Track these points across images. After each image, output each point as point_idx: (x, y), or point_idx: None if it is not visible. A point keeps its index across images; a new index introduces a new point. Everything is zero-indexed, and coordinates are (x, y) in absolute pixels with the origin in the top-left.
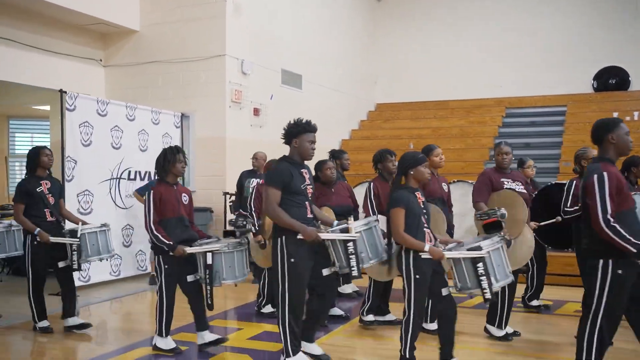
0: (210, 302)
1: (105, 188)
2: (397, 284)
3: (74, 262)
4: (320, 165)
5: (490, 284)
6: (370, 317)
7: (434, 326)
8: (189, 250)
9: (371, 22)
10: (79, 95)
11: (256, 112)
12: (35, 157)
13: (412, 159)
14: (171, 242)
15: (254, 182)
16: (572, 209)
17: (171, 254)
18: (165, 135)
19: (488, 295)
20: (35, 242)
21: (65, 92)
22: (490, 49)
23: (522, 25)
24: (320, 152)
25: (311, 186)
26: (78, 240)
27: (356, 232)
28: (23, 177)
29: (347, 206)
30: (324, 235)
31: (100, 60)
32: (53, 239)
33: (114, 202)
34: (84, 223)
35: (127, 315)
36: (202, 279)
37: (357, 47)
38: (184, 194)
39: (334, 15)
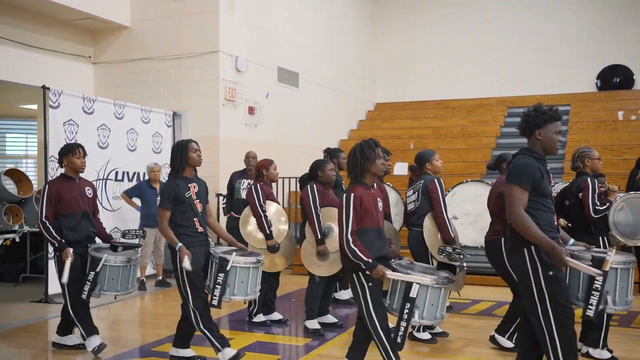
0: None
1: None
2: None
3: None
4: (321, 165)
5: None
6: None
7: (426, 335)
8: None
9: (371, 20)
10: (63, 92)
11: (251, 110)
12: (182, 152)
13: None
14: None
15: (245, 183)
16: (603, 207)
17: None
18: (155, 135)
19: None
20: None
21: (49, 89)
22: (491, 47)
23: (524, 23)
24: (317, 152)
25: (554, 187)
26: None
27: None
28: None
29: None
30: (588, 270)
31: (89, 57)
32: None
33: (101, 204)
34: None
35: (114, 323)
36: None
37: (356, 45)
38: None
39: (333, 11)
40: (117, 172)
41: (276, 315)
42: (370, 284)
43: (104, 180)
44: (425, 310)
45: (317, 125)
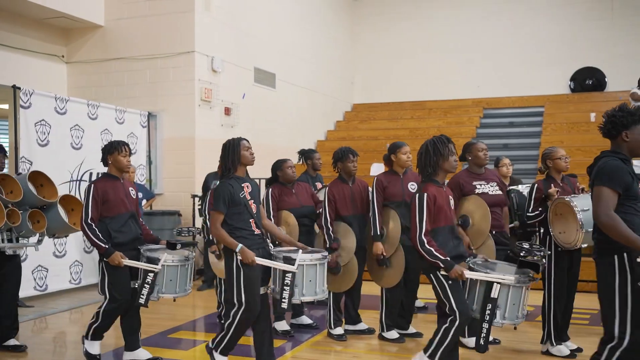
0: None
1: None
2: (368, 290)
3: (142, 296)
4: (280, 164)
5: None
6: (339, 330)
7: (394, 335)
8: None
9: (349, 21)
10: (34, 92)
11: (227, 111)
12: (234, 151)
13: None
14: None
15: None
16: (534, 214)
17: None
18: (130, 135)
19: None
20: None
21: (19, 88)
22: (468, 49)
23: (500, 25)
24: (294, 153)
25: None
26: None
27: None
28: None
29: (310, 206)
30: None
31: (62, 56)
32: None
33: None
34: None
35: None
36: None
37: (333, 47)
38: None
39: (310, 12)
40: (91, 173)
41: None
42: (450, 282)
43: (78, 182)
44: (507, 310)
45: (294, 126)
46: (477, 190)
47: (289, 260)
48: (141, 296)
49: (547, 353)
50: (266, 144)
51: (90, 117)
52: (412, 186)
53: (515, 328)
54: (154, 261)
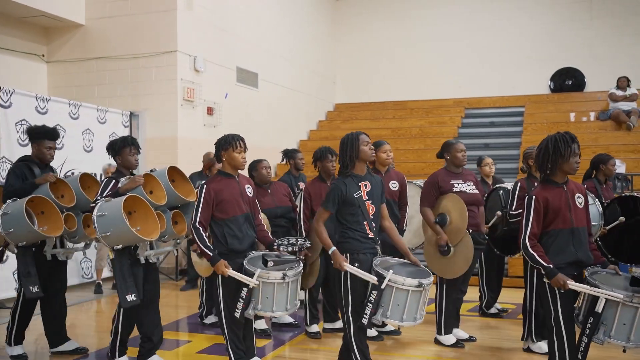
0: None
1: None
2: None
3: (237, 310)
4: (255, 164)
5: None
6: (315, 328)
7: (373, 332)
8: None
9: (331, 21)
10: (14, 91)
11: (210, 111)
12: (353, 146)
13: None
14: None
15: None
16: (517, 212)
17: None
18: (112, 135)
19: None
20: (357, 265)
21: (0, 88)
22: (449, 49)
23: (481, 25)
24: (276, 153)
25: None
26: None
27: None
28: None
29: (286, 207)
30: None
31: (43, 55)
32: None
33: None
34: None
35: (70, 327)
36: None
37: (316, 46)
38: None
39: (292, 12)
40: (73, 173)
41: None
42: (562, 291)
43: None
44: (614, 328)
45: (277, 125)
46: (454, 189)
47: (380, 277)
48: (237, 310)
49: (527, 350)
50: (249, 144)
51: (72, 116)
52: (394, 184)
53: (624, 351)
54: (249, 274)
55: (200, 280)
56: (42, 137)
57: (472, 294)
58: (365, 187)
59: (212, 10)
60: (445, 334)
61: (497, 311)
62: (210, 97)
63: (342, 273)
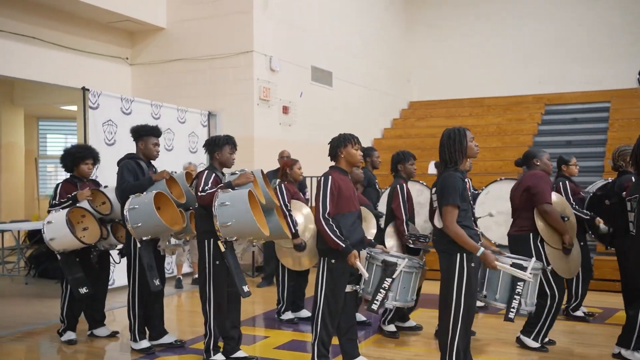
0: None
1: None
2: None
3: (375, 302)
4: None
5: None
6: (392, 327)
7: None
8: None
9: (404, 18)
10: (102, 93)
11: (285, 110)
12: (461, 142)
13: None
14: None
15: (279, 182)
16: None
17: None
18: (191, 135)
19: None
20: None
21: (88, 90)
22: (528, 43)
23: (562, 18)
24: None
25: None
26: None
27: None
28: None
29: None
30: None
31: (127, 58)
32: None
33: None
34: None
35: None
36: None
37: (390, 43)
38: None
39: (366, 10)
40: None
41: (305, 313)
42: None
43: None
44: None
45: (351, 124)
46: None
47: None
48: (375, 301)
49: (618, 356)
50: (323, 142)
51: (154, 117)
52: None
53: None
54: (392, 265)
55: (277, 276)
56: (149, 134)
57: None
58: (467, 184)
59: (287, 10)
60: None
61: (583, 315)
62: (285, 97)
63: (457, 275)
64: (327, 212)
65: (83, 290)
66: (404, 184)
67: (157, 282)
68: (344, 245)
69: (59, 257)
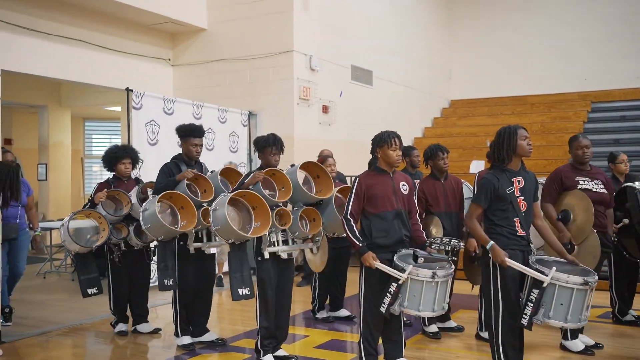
0: None
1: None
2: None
3: (382, 305)
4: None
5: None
6: (433, 328)
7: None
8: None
9: (445, 15)
10: (145, 94)
11: (325, 109)
12: (510, 140)
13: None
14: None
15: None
16: None
17: None
18: (232, 134)
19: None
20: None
21: (132, 91)
22: (573, 39)
23: (607, 12)
24: None
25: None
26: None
27: None
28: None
29: None
30: None
31: (169, 59)
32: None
33: None
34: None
35: None
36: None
37: (430, 41)
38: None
39: (406, 8)
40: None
41: (343, 312)
42: None
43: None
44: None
45: (391, 123)
46: (579, 186)
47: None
48: (382, 305)
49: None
50: (363, 141)
51: (195, 116)
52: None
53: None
54: (400, 270)
55: (314, 276)
56: (189, 134)
57: (601, 299)
58: (519, 183)
59: (327, 10)
60: (571, 339)
61: (633, 319)
62: (325, 96)
63: (492, 273)
64: (349, 212)
65: (92, 291)
66: (430, 180)
67: (168, 282)
68: (360, 245)
69: (71, 257)
